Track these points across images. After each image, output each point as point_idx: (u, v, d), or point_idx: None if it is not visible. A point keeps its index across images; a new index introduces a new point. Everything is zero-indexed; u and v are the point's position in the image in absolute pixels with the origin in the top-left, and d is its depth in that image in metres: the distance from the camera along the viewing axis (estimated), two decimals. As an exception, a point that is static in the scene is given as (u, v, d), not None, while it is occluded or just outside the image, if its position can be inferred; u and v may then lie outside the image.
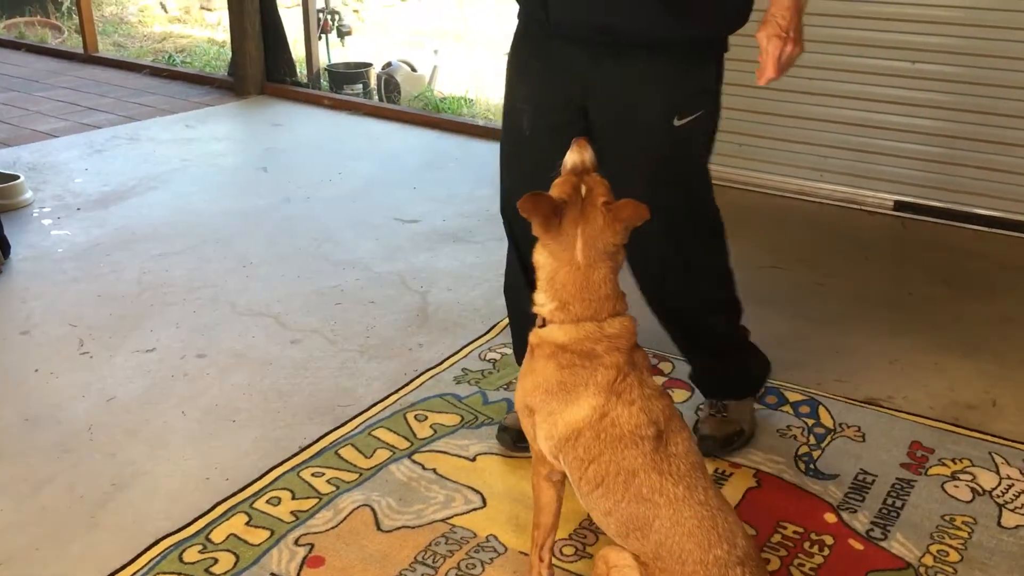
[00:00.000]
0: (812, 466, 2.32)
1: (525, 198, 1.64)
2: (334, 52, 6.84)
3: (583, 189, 1.68)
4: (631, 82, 2.03)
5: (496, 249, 3.67)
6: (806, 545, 2.05)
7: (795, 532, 2.09)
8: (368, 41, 8.73)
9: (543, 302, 1.73)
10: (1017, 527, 2.11)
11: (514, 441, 2.36)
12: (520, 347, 2.35)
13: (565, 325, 1.70)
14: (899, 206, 3.94)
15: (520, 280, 2.31)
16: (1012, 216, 3.74)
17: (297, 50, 6.43)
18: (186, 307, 3.20)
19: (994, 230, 3.76)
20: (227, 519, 2.14)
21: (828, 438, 2.44)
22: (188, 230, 3.86)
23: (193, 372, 2.79)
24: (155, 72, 6.53)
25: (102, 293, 3.30)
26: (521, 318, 2.27)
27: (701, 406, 2.53)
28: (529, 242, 1.80)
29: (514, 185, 2.25)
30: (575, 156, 1.75)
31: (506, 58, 2.29)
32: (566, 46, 2.06)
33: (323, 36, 6.59)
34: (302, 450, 2.40)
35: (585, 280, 1.68)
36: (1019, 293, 3.30)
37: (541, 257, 1.71)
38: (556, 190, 1.70)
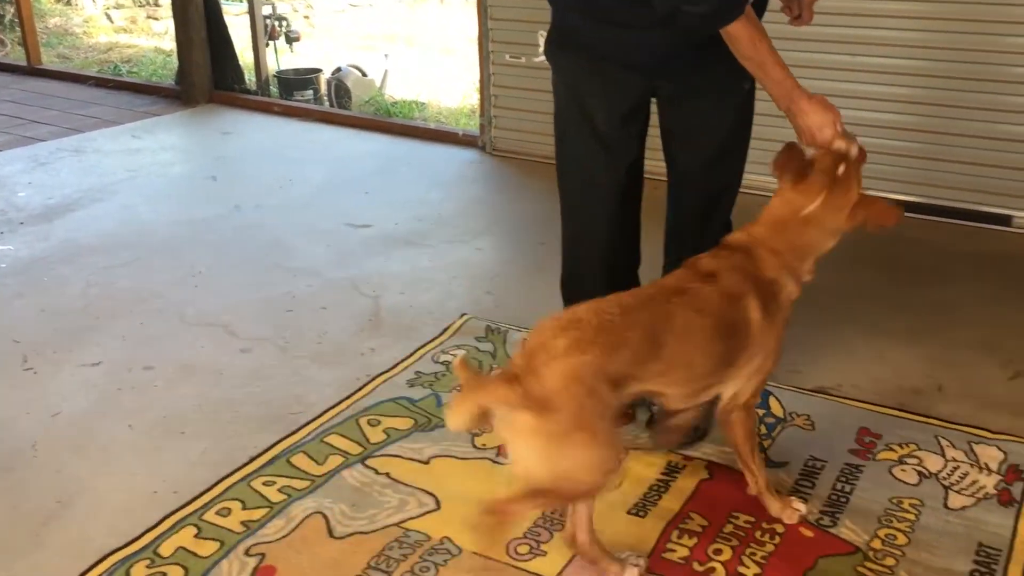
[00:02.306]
0: (763, 455, 2.34)
1: (782, 152, 1.88)
2: (283, 58, 6.80)
3: (841, 169, 1.87)
4: (704, 59, 2.14)
5: (448, 251, 3.67)
6: (757, 534, 2.06)
7: (747, 521, 2.10)
8: (318, 47, 8.68)
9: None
10: (963, 508, 2.14)
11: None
12: None
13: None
14: (845, 197, 3.99)
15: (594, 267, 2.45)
16: (954, 204, 3.80)
17: (245, 57, 6.38)
18: (133, 319, 3.15)
19: (936, 218, 3.82)
20: (175, 532, 2.11)
21: (778, 427, 2.46)
22: (135, 241, 3.80)
23: (140, 385, 2.75)
24: (101, 83, 6.43)
25: (46, 308, 3.24)
26: None
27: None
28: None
29: (586, 187, 2.38)
30: (844, 144, 1.92)
31: (549, 60, 2.37)
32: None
33: (271, 43, 6.55)
34: (253, 459, 2.37)
35: (798, 234, 1.89)
36: (960, 279, 3.36)
37: (774, 201, 1.92)
38: (816, 157, 1.89)
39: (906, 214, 3.80)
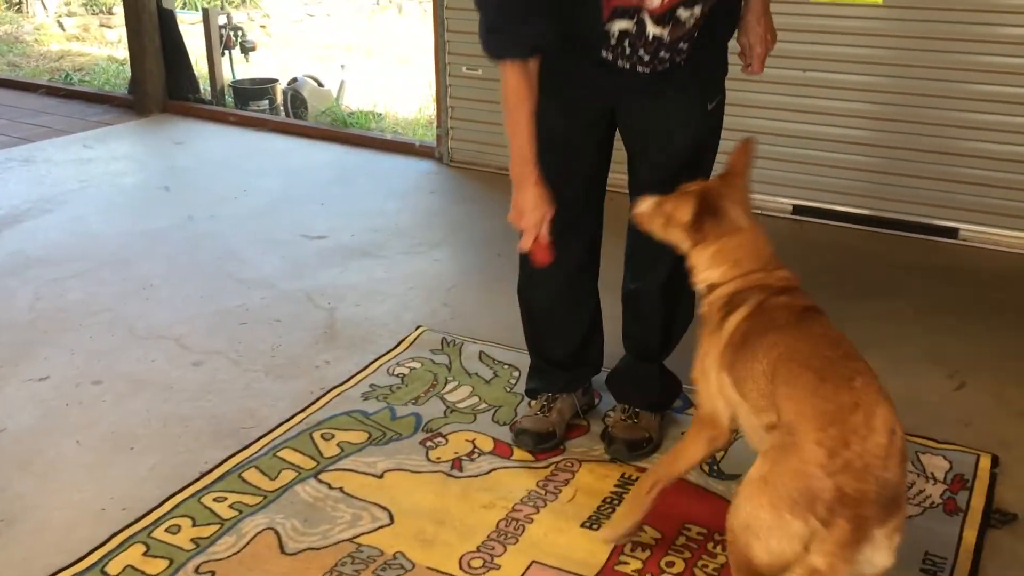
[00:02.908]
0: (716, 467, 2.36)
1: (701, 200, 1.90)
2: (239, 68, 6.75)
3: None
4: (668, 77, 2.12)
5: (404, 263, 3.66)
6: (710, 546, 2.08)
7: (699, 533, 2.12)
8: (274, 56, 8.62)
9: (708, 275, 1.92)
10: (910, 518, 2.16)
11: (536, 443, 2.42)
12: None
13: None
14: (797, 210, 4.05)
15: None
16: (900, 217, 3.87)
17: (200, 67, 6.32)
18: (82, 333, 3.10)
19: (883, 230, 3.89)
20: (123, 550, 2.07)
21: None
22: (85, 253, 3.74)
23: (88, 399, 2.70)
24: (51, 92, 6.33)
25: (-8, 321, 3.18)
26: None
27: (610, 412, 2.55)
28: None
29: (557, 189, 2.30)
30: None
31: None
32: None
33: (226, 52, 6.49)
34: (203, 475, 2.34)
35: (754, 239, 1.96)
36: (907, 291, 3.42)
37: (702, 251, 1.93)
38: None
39: (853, 226, 3.92)
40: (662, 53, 2.04)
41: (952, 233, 3.79)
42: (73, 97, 6.23)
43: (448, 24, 4.64)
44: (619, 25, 1.99)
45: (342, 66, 7.15)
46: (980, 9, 3.52)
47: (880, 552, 1.49)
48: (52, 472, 2.38)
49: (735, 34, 2.24)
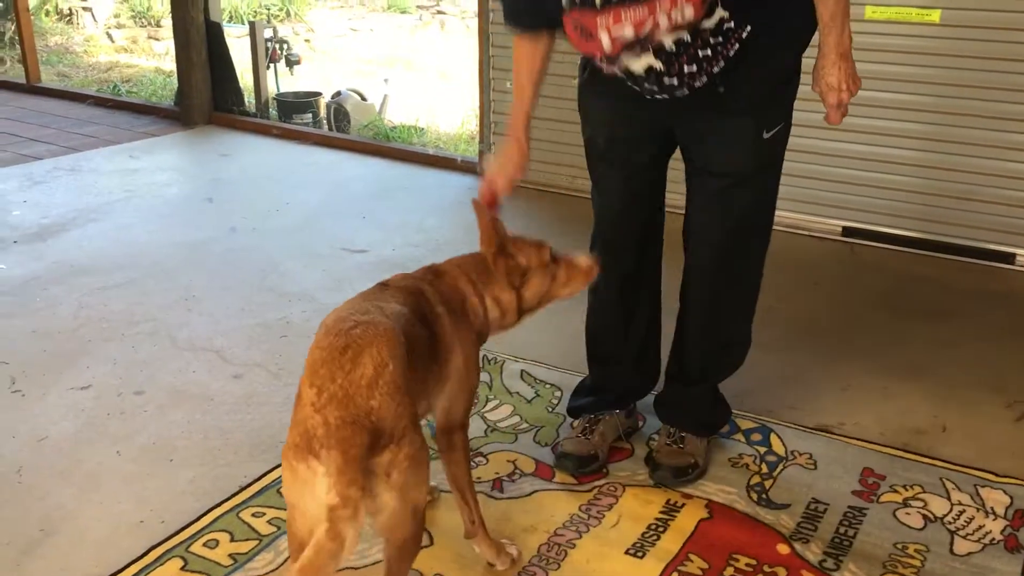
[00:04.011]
0: (764, 496, 2.29)
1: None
2: (283, 81, 6.79)
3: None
4: (719, 110, 2.06)
5: (446, 279, 3.62)
6: (759, 577, 2.01)
7: (748, 564, 2.05)
8: (318, 70, 8.69)
9: None
10: (969, 554, 2.09)
11: (578, 466, 2.37)
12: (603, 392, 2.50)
13: None
14: (847, 232, 3.97)
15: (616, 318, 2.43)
16: (955, 240, 3.77)
17: (245, 79, 6.37)
18: (124, 342, 3.10)
19: (937, 254, 3.80)
20: (161, 564, 2.05)
21: (780, 466, 2.41)
22: (129, 263, 3.76)
23: (129, 409, 2.69)
24: (99, 102, 6.41)
25: (37, 329, 3.19)
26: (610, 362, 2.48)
27: (654, 435, 2.50)
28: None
29: (603, 211, 2.34)
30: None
31: (578, 95, 2.31)
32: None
33: (271, 65, 6.54)
34: (242, 489, 2.32)
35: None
36: (963, 316, 3.32)
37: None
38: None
39: (905, 249, 3.82)
40: (670, 80, 1.97)
41: (1008, 258, 3.68)
42: (120, 108, 6.31)
43: (493, 39, 4.63)
44: (609, 68, 1.99)
45: (385, 80, 7.17)
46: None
47: (380, 484, 1.50)
48: (92, 482, 2.36)
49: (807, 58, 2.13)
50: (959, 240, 3.76)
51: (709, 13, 1.86)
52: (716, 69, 1.96)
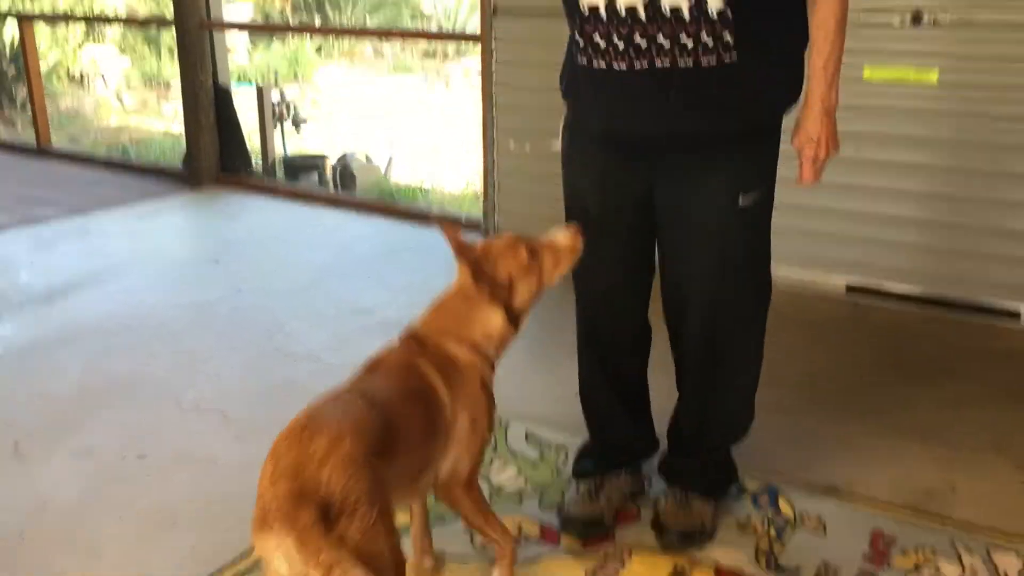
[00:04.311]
0: (773, 560, 2.26)
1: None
2: (290, 142, 6.89)
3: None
4: (694, 168, 2.05)
5: (450, 339, 3.62)
6: (769, 645, 1.98)
7: (757, 631, 2.01)
8: (324, 129, 8.81)
9: None
10: (982, 619, 2.06)
11: (583, 530, 2.34)
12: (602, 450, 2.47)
13: None
14: (851, 289, 3.97)
15: (599, 379, 2.39)
16: (959, 298, 3.77)
17: (252, 140, 6.45)
18: (129, 405, 3.09)
19: (942, 312, 3.79)
20: (162, 634, 2.02)
21: (788, 530, 2.38)
22: (135, 325, 3.77)
23: (132, 474, 2.68)
24: (108, 164, 6.50)
25: (41, 392, 3.19)
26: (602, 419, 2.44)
27: (661, 497, 2.47)
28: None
29: (588, 274, 2.26)
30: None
31: (560, 151, 2.29)
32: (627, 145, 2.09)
33: (278, 125, 6.63)
34: (243, 556, 2.29)
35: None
36: (968, 376, 3.30)
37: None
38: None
39: (909, 307, 3.81)
40: (639, 39, 1.89)
41: (1015, 316, 3.67)
42: (129, 170, 6.39)
43: (497, 100, 4.69)
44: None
45: (391, 143, 7.24)
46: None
47: (343, 554, 1.46)
48: (94, 549, 2.34)
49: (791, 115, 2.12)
50: (964, 297, 3.76)
51: None
52: (682, 63, 1.91)
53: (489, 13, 4.60)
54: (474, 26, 5.70)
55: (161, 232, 5.08)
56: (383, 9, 12.87)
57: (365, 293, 4.13)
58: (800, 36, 2.04)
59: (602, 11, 1.94)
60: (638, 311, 2.34)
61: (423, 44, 12.92)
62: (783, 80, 2.07)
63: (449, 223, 2.11)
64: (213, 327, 3.76)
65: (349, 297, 4.07)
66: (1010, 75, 3.48)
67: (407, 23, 13.04)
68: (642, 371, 2.44)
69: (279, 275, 4.40)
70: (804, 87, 2.07)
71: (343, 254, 4.72)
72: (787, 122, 2.14)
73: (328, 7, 12.41)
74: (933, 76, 3.57)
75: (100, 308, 3.95)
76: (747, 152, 2.08)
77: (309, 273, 4.43)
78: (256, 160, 6.29)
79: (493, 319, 1.98)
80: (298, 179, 6.22)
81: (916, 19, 3.52)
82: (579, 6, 1.96)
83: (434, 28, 13.07)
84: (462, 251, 1.99)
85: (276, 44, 11.50)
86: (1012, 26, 3.44)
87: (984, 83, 3.53)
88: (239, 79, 9.72)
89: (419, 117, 10.07)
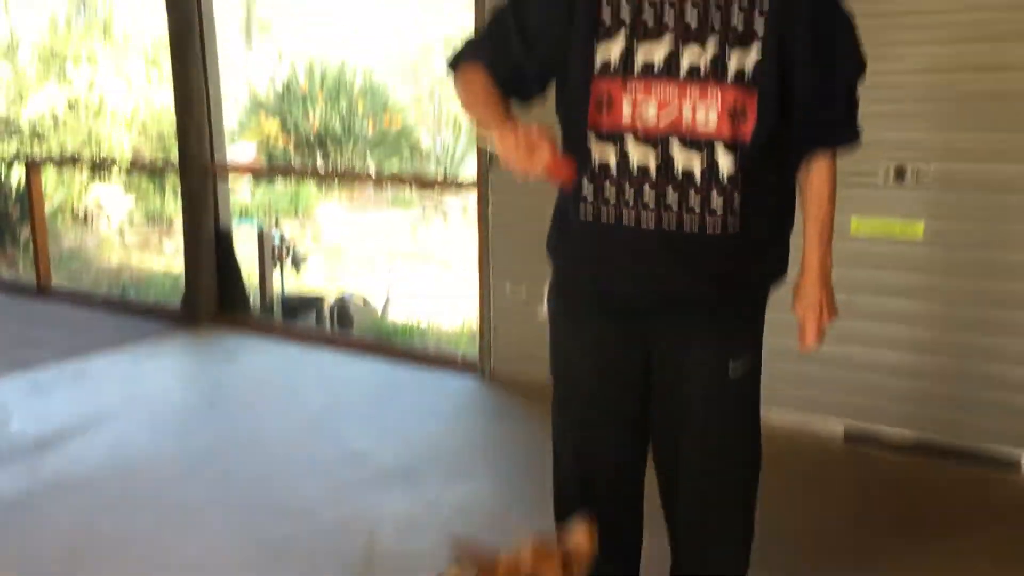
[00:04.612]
0: None
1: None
2: (288, 279, 6.96)
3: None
4: (686, 335, 2.06)
5: (445, 489, 3.57)
6: None
7: None
8: (324, 266, 8.92)
9: None
10: None
11: None
12: None
13: None
14: (848, 436, 3.95)
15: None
16: (958, 446, 3.74)
17: (251, 278, 6.52)
18: (115, 566, 3.02)
19: (942, 461, 3.75)
20: None
21: None
22: (126, 476, 3.72)
23: (116, 645, 2.60)
24: (107, 304, 6.54)
25: (25, 551, 3.12)
26: None
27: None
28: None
29: (571, 434, 2.25)
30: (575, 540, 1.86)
31: (546, 316, 2.29)
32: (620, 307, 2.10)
33: (278, 264, 6.72)
34: None
35: None
36: (972, 532, 3.23)
37: None
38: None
39: (908, 455, 3.77)
40: (650, 194, 1.92)
41: (1014, 467, 3.63)
42: (128, 310, 6.43)
43: (493, 244, 4.77)
44: (600, 152, 1.95)
45: (388, 282, 7.33)
46: (1018, 243, 3.53)
47: None
48: None
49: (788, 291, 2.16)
50: (963, 445, 3.73)
51: (731, 150, 1.88)
52: (687, 227, 1.94)
53: (485, 161, 4.73)
54: (472, 163, 5.82)
55: (156, 375, 5.07)
56: (383, 145, 13.23)
57: (360, 438, 4.09)
58: (790, 212, 2.10)
59: (613, 168, 1.96)
60: (632, 485, 2.32)
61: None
62: (776, 254, 2.12)
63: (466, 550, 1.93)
64: (205, 478, 3.71)
65: (344, 443, 4.04)
66: (992, 228, 3.56)
67: (406, 157, 13.39)
68: (634, 539, 2.40)
69: (274, 420, 4.37)
70: (789, 263, 2.12)
71: (339, 397, 4.71)
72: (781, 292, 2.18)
73: (329, 144, 12.76)
74: (919, 229, 3.65)
75: (91, 458, 3.91)
76: (739, 321, 2.11)
77: (304, 417, 4.40)
78: (254, 299, 6.34)
79: None
80: (296, 318, 6.26)
81: (899, 174, 3.63)
82: (591, 161, 1.98)
83: (432, 164, 13.42)
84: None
85: (278, 181, 11.77)
86: (991, 180, 3.53)
87: (968, 235, 3.61)
88: (241, 215, 9.91)
89: (417, 253, 10.22)
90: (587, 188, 2.01)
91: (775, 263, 2.11)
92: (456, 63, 2.09)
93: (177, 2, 5.71)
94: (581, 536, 1.89)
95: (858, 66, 2.01)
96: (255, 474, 3.73)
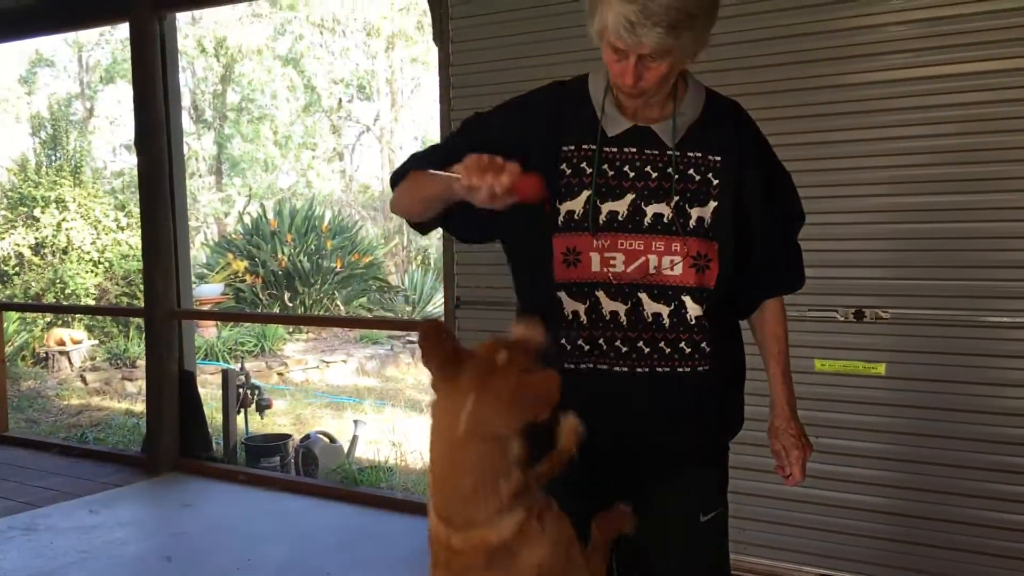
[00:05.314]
0: None
1: (427, 325, 1.52)
2: (252, 421, 6.85)
3: (503, 356, 1.46)
4: (659, 483, 2.04)
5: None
6: None
7: None
8: (289, 405, 8.80)
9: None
10: None
11: None
12: None
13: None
14: (824, 581, 3.87)
15: None
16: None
17: (215, 419, 6.41)
18: None
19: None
20: None
21: None
22: (75, 640, 3.54)
23: None
24: (65, 451, 6.37)
25: None
26: None
27: None
28: None
29: None
30: (522, 330, 1.57)
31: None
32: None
33: (242, 410, 6.62)
34: None
35: (452, 461, 1.45)
36: None
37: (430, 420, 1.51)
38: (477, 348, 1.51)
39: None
40: (619, 344, 1.93)
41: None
42: (86, 456, 6.26)
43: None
44: (571, 305, 1.95)
45: (355, 422, 7.24)
46: (978, 382, 3.58)
47: None
48: None
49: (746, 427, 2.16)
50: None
51: (697, 298, 1.92)
52: (661, 370, 1.94)
53: (452, 304, 4.76)
54: (439, 300, 5.84)
55: (113, 527, 4.89)
56: (351, 282, 13.31)
57: (323, 595, 3.95)
58: (742, 358, 2.12)
59: (584, 319, 1.96)
60: None
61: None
62: (738, 400, 2.13)
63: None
64: (159, 641, 3.54)
65: (306, 600, 3.89)
66: (951, 368, 3.60)
67: (374, 295, 13.46)
68: None
69: (234, 574, 4.21)
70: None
71: (302, 547, 4.56)
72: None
73: (298, 282, 12.82)
74: (881, 368, 3.69)
75: (40, 620, 3.73)
76: (709, 469, 2.10)
77: (264, 571, 4.25)
78: (217, 441, 6.21)
79: None
80: (260, 461, 6.13)
81: (859, 315, 3.70)
82: (563, 312, 1.98)
83: (401, 299, 13.50)
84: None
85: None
86: (947, 321, 3.60)
87: (929, 375, 3.64)
88: (206, 356, 9.83)
89: (385, 391, 10.14)
90: (564, 338, 2.02)
91: (738, 408, 2.13)
92: (398, 178, 2.05)
93: (148, 143, 5.80)
94: (527, 328, 1.61)
95: (800, 219, 2.13)
96: (213, 634, 3.57)
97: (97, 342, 10.77)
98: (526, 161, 1.78)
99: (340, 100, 20.76)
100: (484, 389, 1.43)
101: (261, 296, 12.55)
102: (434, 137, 4.43)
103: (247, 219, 14.69)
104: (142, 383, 8.50)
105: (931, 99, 3.58)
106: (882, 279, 3.71)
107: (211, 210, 19.00)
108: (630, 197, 1.94)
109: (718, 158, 1.96)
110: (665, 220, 1.93)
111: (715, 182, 1.95)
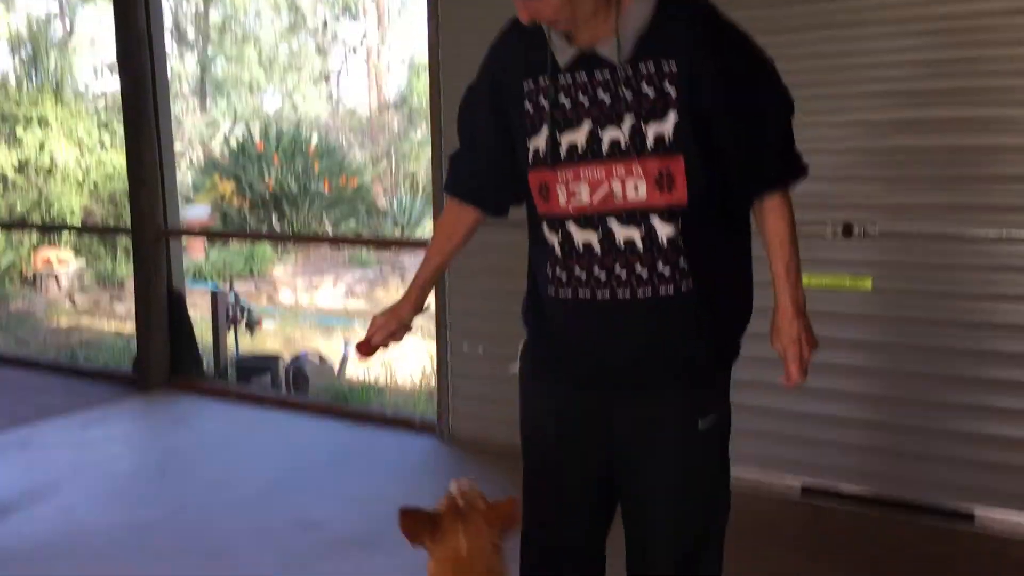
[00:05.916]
0: None
1: (401, 516, 1.91)
2: (243, 341, 6.87)
3: (460, 502, 1.95)
4: (654, 396, 2.05)
5: (403, 556, 3.49)
6: None
7: None
8: (279, 326, 8.82)
9: None
10: None
11: None
12: None
13: None
14: (806, 491, 3.95)
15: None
16: (914, 499, 3.76)
17: (205, 340, 6.43)
18: (59, 646, 2.91)
19: (899, 514, 3.76)
20: None
21: None
22: (72, 550, 3.60)
23: None
24: (55, 369, 6.40)
25: (-35, 633, 3.00)
26: None
27: None
28: None
29: (536, 498, 2.23)
30: (462, 485, 2.01)
31: (519, 362, 2.26)
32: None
33: (232, 327, 6.63)
34: None
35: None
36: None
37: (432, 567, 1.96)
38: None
39: (865, 509, 3.79)
40: (598, 272, 1.96)
41: (968, 519, 3.66)
42: (77, 374, 6.30)
43: (450, 304, 4.76)
44: (550, 236, 2.01)
45: (345, 343, 7.27)
46: (965, 296, 3.61)
47: None
48: None
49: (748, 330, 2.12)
50: (918, 499, 3.75)
51: (667, 217, 1.89)
52: (641, 293, 1.94)
53: (440, 221, 4.74)
54: (428, 223, 5.83)
55: (106, 442, 4.94)
56: (339, 206, 13.23)
57: (316, 505, 4.01)
58: (747, 258, 2.10)
59: (558, 251, 2.00)
60: (597, 551, 2.29)
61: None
62: (738, 305, 2.11)
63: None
64: (153, 551, 3.60)
65: (299, 510, 3.95)
66: (938, 283, 3.63)
67: (363, 218, 13.40)
68: None
69: (227, 487, 4.27)
70: (755, 305, 2.12)
71: (294, 462, 4.62)
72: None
73: (285, 205, 12.73)
74: (867, 283, 3.71)
75: (36, 531, 3.78)
76: (705, 377, 2.10)
77: (258, 484, 4.31)
78: (208, 362, 6.24)
79: None
80: (251, 380, 6.17)
81: (847, 231, 3.70)
82: (546, 241, 2.03)
83: (389, 223, 13.43)
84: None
85: (233, 242, 11.69)
86: (935, 237, 3.61)
87: (915, 290, 3.67)
88: (195, 277, 9.81)
89: (375, 308, 10.17)
90: (548, 268, 2.05)
91: (740, 313, 2.11)
92: (447, 187, 2.25)
93: (129, 64, 5.70)
94: (462, 483, 2.05)
95: (785, 106, 2.01)
96: (205, 547, 3.63)
97: (85, 264, 10.71)
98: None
99: (325, 20, 20.33)
100: (467, 522, 1.92)
101: (249, 218, 12.46)
102: (423, 59, 4.37)
103: (233, 141, 14.49)
104: (131, 305, 8.51)
105: (924, 9, 3.53)
106: (870, 194, 3.71)
107: (196, 134, 18.76)
108: (587, 126, 1.92)
109: (672, 63, 1.87)
110: (622, 144, 1.90)
111: (672, 91, 1.87)
